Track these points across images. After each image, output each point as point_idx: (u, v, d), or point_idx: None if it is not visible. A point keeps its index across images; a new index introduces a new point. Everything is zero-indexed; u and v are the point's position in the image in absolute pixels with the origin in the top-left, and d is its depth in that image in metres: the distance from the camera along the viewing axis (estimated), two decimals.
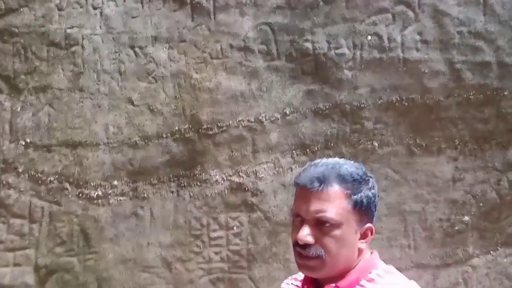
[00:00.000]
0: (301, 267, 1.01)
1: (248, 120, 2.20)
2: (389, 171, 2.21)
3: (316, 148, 2.23)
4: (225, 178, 2.19)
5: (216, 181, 2.19)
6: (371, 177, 1.05)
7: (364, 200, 1.00)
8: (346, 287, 1.00)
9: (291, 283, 1.16)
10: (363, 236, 1.02)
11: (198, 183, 2.18)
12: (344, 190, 0.99)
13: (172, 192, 2.17)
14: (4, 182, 2.11)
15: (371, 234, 1.03)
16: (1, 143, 2.13)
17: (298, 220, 1.01)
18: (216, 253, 2.15)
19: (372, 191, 1.03)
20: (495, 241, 2.16)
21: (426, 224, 2.15)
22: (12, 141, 2.13)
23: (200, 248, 2.14)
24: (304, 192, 1.00)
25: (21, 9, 2.08)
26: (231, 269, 2.13)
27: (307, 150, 2.22)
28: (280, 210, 2.17)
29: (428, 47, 2.20)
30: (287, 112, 2.21)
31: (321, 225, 0.98)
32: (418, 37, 2.18)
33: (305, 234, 0.97)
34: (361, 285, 1.00)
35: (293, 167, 2.22)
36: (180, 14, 2.13)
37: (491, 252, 2.15)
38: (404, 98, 2.22)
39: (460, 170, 2.23)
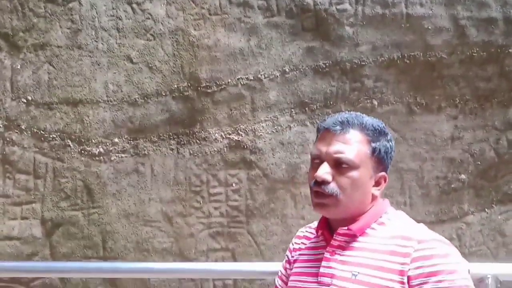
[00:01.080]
0: (316, 206, 1.06)
1: (247, 78, 2.17)
2: (389, 130, 2.18)
3: (315, 107, 2.21)
4: (224, 136, 2.20)
5: (215, 139, 2.20)
6: (389, 132, 1.11)
7: (382, 149, 1.05)
8: (358, 230, 1.04)
9: (306, 231, 1.21)
10: (377, 183, 1.07)
11: (198, 141, 2.20)
12: (365, 136, 1.04)
13: (172, 149, 2.19)
14: (8, 139, 2.14)
15: (384, 182, 1.08)
16: (3, 100, 2.14)
17: (317, 162, 1.04)
18: (215, 208, 2.19)
19: (390, 143, 1.07)
20: (490, 199, 2.17)
21: (422, 182, 2.17)
22: (13, 99, 2.14)
23: (200, 203, 2.18)
24: (327, 134, 1.05)
25: None
26: (230, 224, 2.19)
27: (306, 108, 2.21)
28: (278, 167, 2.19)
29: (433, 2, 2.13)
30: (287, 70, 2.18)
31: (339, 166, 1.02)
32: None
33: (323, 172, 1.01)
34: (372, 228, 1.05)
35: (291, 125, 2.21)
36: None
37: (486, 209, 2.18)
38: (406, 55, 2.18)
39: (459, 129, 2.21)
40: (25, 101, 2.14)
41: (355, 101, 2.23)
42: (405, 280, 0.94)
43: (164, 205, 2.18)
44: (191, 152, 2.21)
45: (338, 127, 1.03)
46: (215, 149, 2.22)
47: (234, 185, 2.21)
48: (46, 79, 2.14)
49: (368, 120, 1.07)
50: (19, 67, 2.13)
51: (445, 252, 0.96)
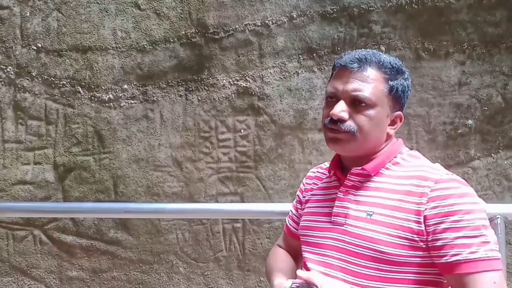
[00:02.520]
0: (330, 140, 1.02)
1: (255, 24, 2.15)
2: None
3: (322, 53, 2.19)
4: (232, 83, 2.19)
5: (223, 85, 2.19)
6: (407, 70, 1.07)
7: (399, 88, 1.02)
8: (372, 169, 1.02)
9: (317, 171, 1.20)
10: (393, 122, 1.04)
11: (206, 87, 2.18)
12: (382, 74, 1.01)
13: (180, 96, 2.18)
14: (19, 86, 2.14)
15: (400, 121, 1.06)
16: (14, 48, 2.13)
17: (332, 100, 1.02)
18: (224, 153, 2.19)
19: (407, 82, 1.04)
20: (497, 144, 2.16)
21: (429, 127, 2.15)
22: (24, 46, 2.13)
23: (209, 149, 2.18)
24: (343, 71, 1.02)
25: None
26: (238, 169, 2.19)
27: (314, 54, 2.18)
28: (286, 113, 2.18)
29: None
30: (294, 16, 2.15)
31: (356, 104, 1.00)
32: None
33: (340, 109, 0.99)
34: (387, 168, 1.03)
35: (299, 71, 2.19)
36: None
37: (492, 154, 2.16)
38: (414, 0, 2.13)
39: (466, 74, 2.18)
40: (35, 48, 2.14)
41: (362, 47, 2.19)
42: (422, 220, 0.92)
43: (174, 151, 2.18)
44: (200, 99, 2.20)
45: (355, 65, 1.00)
46: (223, 95, 2.20)
47: (242, 131, 2.21)
48: (55, 26, 2.12)
49: (386, 58, 1.04)
50: (28, 14, 2.11)
51: (463, 191, 0.93)
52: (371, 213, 0.97)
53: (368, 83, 0.99)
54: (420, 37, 2.19)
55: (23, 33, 2.14)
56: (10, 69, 2.15)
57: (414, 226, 0.92)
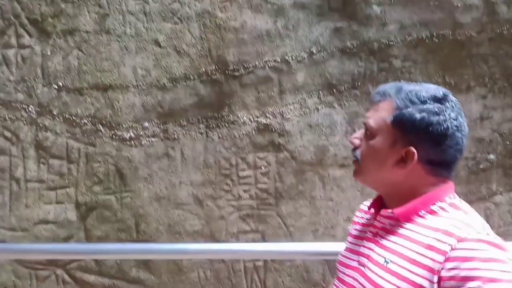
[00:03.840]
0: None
1: (275, 60, 2.12)
2: None
3: (343, 88, 2.15)
4: (252, 119, 2.16)
5: (244, 122, 2.16)
6: (441, 104, 0.91)
7: (407, 118, 0.90)
8: (402, 215, 0.93)
9: (364, 204, 1.15)
10: (402, 159, 0.92)
11: (226, 124, 2.16)
12: (392, 103, 0.93)
13: (201, 133, 2.15)
14: (41, 125, 2.13)
15: (411, 158, 0.91)
16: (35, 87, 2.12)
17: None
18: (245, 191, 2.16)
19: (423, 114, 0.89)
20: None
21: None
22: (45, 85, 2.12)
23: (229, 186, 2.16)
24: (371, 103, 1.00)
25: None
26: (259, 206, 2.16)
27: (334, 90, 2.15)
28: (306, 149, 2.14)
29: None
30: (314, 51, 2.11)
31: (366, 132, 0.98)
32: None
33: (353, 136, 1.00)
34: (421, 216, 0.92)
35: (319, 107, 2.16)
36: None
37: None
38: (434, 34, 2.10)
39: (488, 108, 2.14)
40: (56, 87, 2.12)
41: (383, 82, 2.15)
42: (435, 280, 0.82)
43: (195, 188, 2.16)
44: (220, 136, 2.17)
45: (377, 97, 0.96)
46: (243, 132, 2.17)
47: (263, 167, 2.18)
48: (76, 64, 2.11)
49: (412, 87, 0.93)
50: (49, 53, 2.10)
51: (489, 256, 0.79)
52: (388, 260, 0.91)
53: (378, 112, 0.95)
54: (441, 71, 2.16)
55: (44, 72, 2.12)
56: (31, 108, 2.13)
57: (426, 285, 0.83)
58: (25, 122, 2.14)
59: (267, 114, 2.17)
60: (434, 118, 0.89)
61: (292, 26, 2.11)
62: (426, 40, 2.12)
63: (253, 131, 2.19)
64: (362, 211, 1.14)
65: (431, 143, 0.90)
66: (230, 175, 2.18)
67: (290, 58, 2.14)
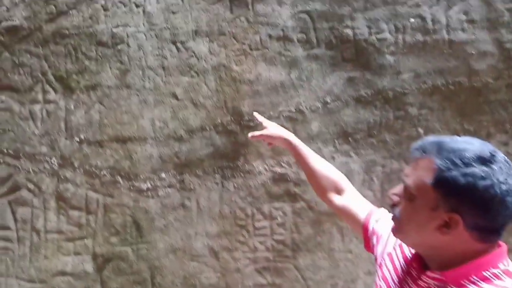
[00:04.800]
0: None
1: (289, 110, 2.13)
2: None
3: (358, 137, 2.13)
4: (267, 169, 2.15)
5: (259, 172, 2.15)
6: (488, 167, 0.83)
7: (450, 182, 0.83)
8: (452, 279, 0.86)
9: (399, 251, 1.05)
10: (446, 224, 0.85)
11: (242, 174, 2.15)
12: (433, 163, 0.85)
13: (217, 183, 2.15)
14: (62, 177, 2.18)
15: (455, 225, 0.84)
16: (58, 140, 2.19)
17: None
18: (261, 242, 2.12)
19: (469, 179, 0.81)
20: None
21: None
22: (67, 138, 2.19)
23: (245, 237, 2.12)
24: (411, 157, 0.94)
25: (71, 12, 2.12)
26: (276, 258, 2.11)
27: (350, 138, 2.13)
28: None
29: (475, 27, 2.04)
30: (328, 101, 2.12)
31: (405, 191, 0.91)
32: (464, 17, 2.02)
33: (392, 191, 0.94)
34: (472, 282, 0.85)
35: (335, 156, 2.14)
36: (219, 7, 2.09)
37: None
38: (450, 81, 2.08)
39: (510, 155, 2.04)
40: (78, 139, 2.18)
41: (399, 130, 2.13)
42: None
43: (210, 240, 2.13)
44: (236, 186, 2.16)
45: (416, 153, 0.90)
46: (259, 182, 2.16)
47: (279, 218, 2.14)
48: (97, 118, 2.18)
49: (455, 145, 0.85)
50: (72, 107, 2.18)
51: None
52: None
53: (416, 170, 0.88)
54: (459, 118, 2.12)
55: (67, 126, 2.20)
56: (54, 161, 2.19)
57: None
58: (47, 174, 2.20)
59: (282, 164, 2.16)
60: (481, 183, 0.81)
61: (306, 77, 2.13)
62: (442, 87, 2.10)
63: (269, 181, 2.18)
64: (403, 250, 1.04)
65: (478, 210, 0.82)
66: (245, 226, 2.15)
67: (305, 108, 2.15)
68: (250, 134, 1.56)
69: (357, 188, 2.14)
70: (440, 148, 0.85)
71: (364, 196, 2.14)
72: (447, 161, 0.83)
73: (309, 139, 2.16)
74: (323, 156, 2.16)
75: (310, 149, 1.46)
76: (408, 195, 0.88)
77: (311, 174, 1.40)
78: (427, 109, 2.12)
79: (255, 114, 1.65)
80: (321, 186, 1.38)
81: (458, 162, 0.82)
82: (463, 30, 2.05)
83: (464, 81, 2.08)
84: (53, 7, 2.12)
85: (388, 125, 2.14)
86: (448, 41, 2.06)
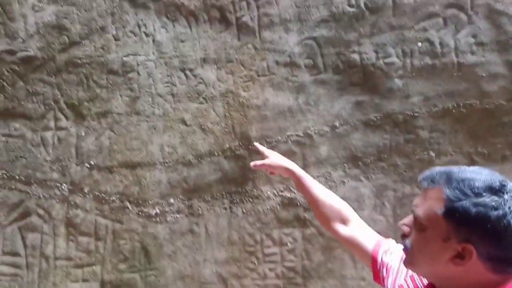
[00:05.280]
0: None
1: (297, 135, 2.13)
2: None
3: (368, 161, 2.11)
4: (276, 194, 2.14)
5: (268, 197, 2.14)
6: (499, 196, 0.82)
7: (461, 213, 0.82)
8: None
9: (410, 283, 1.03)
10: (459, 255, 0.83)
11: (250, 199, 2.14)
12: (442, 193, 0.85)
13: (225, 208, 2.14)
14: (72, 203, 2.20)
15: (468, 257, 0.83)
16: (69, 166, 2.22)
17: None
18: (270, 269, 2.09)
19: (480, 209, 0.81)
20: None
21: None
22: (78, 164, 2.22)
23: (254, 264, 2.09)
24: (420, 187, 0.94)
25: (83, 42, 2.18)
26: (286, 286, 2.08)
27: (359, 162, 2.11)
28: None
29: (484, 49, 2.03)
30: (337, 125, 2.11)
31: (415, 221, 0.90)
32: (472, 40, 2.02)
33: (402, 222, 0.93)
34: None
35: (345, 180, 2.12)
36: (227, 35, 2.12)
37: None
38: (461, 104, 2.06)
39: None
40: (88, 165, 2.21)
41: (410, 153, 2.10)
42: None
43: (219, 266, 2.11)
44: (244, 211, 2.15)
45: (424, 182, 0.90)
46: (268, 207, 2.15)
47: (289, 244, 2.11)
48: (107, 144, 2.21)
49: (464, 175, 0.85)
50: (83, 134, 2.22)
51: None
52: None
53: (426, 200, 0.87)
54: (472, 141, 2.08)
55: (78, 152, 2.23)
56: (64, 187, 2.22)
57: None
58: (57, 200, 2.22)
59: (291, 188, 2.14)
60: (492, 214, 0.80)
61: (314, 102, 2.14)
62: (453, 110, 2.08)
63: (278, 206, 2.16)
64: (414, 282, 1.03)
65: (491, 240, 0.81)
66: (255, 252, 2.12)
67: (313, 132, 2.14)
68: (252, 164, 1.57)
69: (368, 213, 2.12)
70: (449, 178, 0.85)
71: (376, 221, 2.12)
72: (457, 191, 0.82)
73: (318, 164, 2.15)
74: (332, 181, 2.16)
75: (313, 178, 1.46)
76: (419, 225, 0.88)
77: (315, 203, 1.40)
78: (439, 132, 2.09)
79: (256, 144, 1.67)
80: (325, 216, 1.37)
81: (468, 192, 0.82)
82: (472, 52, 2.04)
83: (475, 104, 2.06)
84: (66, 38, 2.19)
85: (398, 149, 2.11)
86: (458, 64, 2.04)
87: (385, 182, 2.13)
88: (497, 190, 0.82)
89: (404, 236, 0.92)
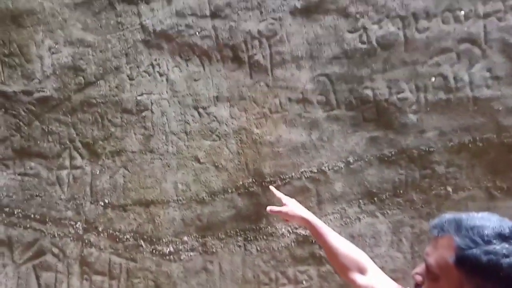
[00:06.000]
0: None
1: (311, 171, 2.12)
2: None
3: (384, 196, 2.09)
4: (291, 231, 2.13)
5: (282, 234, 2.13)
6: (510, 243, 0.83)
7: (473, 261, 0.83)
8: None
9: None
10: None
11: (265, 236, 2.13)
12: (453, 242, 0.86)
13: (239, 246, 2.13)
14: (86, 241, 2.21)
15: None
16: (84, 204, 2.24)
17: None
18: None
19: (491, 257, 0.82)
20: None
21: None
22: (92, 202, 2.24)
23: None
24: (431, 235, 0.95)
25: (98, 82, 2.23)
26: None
27: (375, 198, 2.09)
28: None
29: (500, 83, 2.02)
30: (351, 161, 2.10)
31: (428, 270, 0.91)
32: (487, 74, 2.00)
33: (415, 271, 0.94)
34: None
35: (360, 217, 2.10)
36: (239, 73, 2.15)
37: None
38: (477, 138, 2.04)
39: None
40: (102, 204, 2.23)
41: (427, 189, 2.08)
42: None
43: None
44: (258, 249, 2.14)
45: (434, 231, 0.91)
46: (282, 244, 2.13)
47: (304, 282, 2.10)
48: (122, 182, 2.23)
49: (472, 222, 0.86)
50: (98, 172, 2.25)
51: None
52: None
53: (437, 249, 0.88)
54: (490, 175, 2.05)
55: (92, 190, 2.26)
56: (79, 225, 2.24)
57: None
58: (72, 238, 2.24)
59: None
60: (504, 261, 0.81)
61: (327, 138, 2.14)
62: (469, 144, 2.05)
63: (293, 243, 2.14)
64: None
65: (494, 285, 0.83)
66: None
67: (327, 168, 2.13)
68: (268, 209, 1.59)
69: (385, 250, 2.09)
70: (458, 226, 0.87)
71: (394, 259, 2.09)
72: (467, 239, 0.84)
73: (332, 200, 2.13)
74: (348, 217, 2.13)
75: (329, 228, 1.47)
76: (431, 274, 0.89)
77: (332, 253, 1.41)
78: (455, 167, 2.06)
79: (272, 188, 1.68)
80: (342, 266, 1.37)
81: (478, 240, 0.83)
82: (487, 86, 2.02)
83: (492, 138, 2.03)
84: (82, 78, 2.24)
85: (414, 184, 2.09)
86: (473, 98, 2.03)
87: (401, 218, 2.10)
88: (507, 237, 0.83)
89: (417, 285, 0.92)
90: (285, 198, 1.64)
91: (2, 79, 2.28)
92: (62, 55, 2.24)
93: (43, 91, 2.25)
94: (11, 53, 2.27)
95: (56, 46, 2.24)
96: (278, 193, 1.69)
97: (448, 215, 0.92)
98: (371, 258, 2.06)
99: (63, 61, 2.24)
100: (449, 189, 2.07)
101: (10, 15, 2.25)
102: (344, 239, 1.45)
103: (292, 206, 1.60)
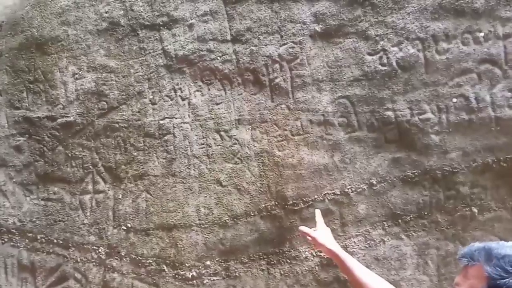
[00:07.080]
0: None
1: (334, 193, 2.13)
2: (494, 239, 1.99)
3: (408, 218, 2.10)
4: (315, 254, 2.13)
5: (306, 257, 2.13)
6: None
7: None
8: None
9: None
10: None
11: (288, 260, 2.14)
12: (483, 271, 0.88)
13: (262, 270, 2.14)
14: (108, 266, 2.22)
15: None
16: (106, 229, 2.27)
17: None
18: None
19: None
20: None
21: None
22: (115, 227, 2.26)
23: None
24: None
25: (121, 107, 2.27)
26: None
27: (399, 220, 2.10)
28: None
29: None
30: (374, 182, 2.11)
31: None
32: (509, 94, 2.04)
33: None
34: None
35: (385, 239, 2.10)
36: (260, 97, 2.19)
37: None
38: (501, 158, 2.05)
39: None
40: (125, 228, 2.25)
41: (452, 210, 2.08)
42: None
43: None
44: (282, 272, 2.14)
45: (464, 260, 0.93)
46: (306, 268, 2.13)
47: None
48: (144, 206, 2.25)
49: (500, 250, 0.89)
50: (120, 196, 2.27)
51: None
52: None
53: (468, 279, 0.89)
54: None
55: (115, 215, 2.28)
56: (101, 250, 2.26)
57: None
58: (94, 263, 2.26)
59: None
60: None
61: (349, 159, 2.15)
62: (493, 165, 2.06)
63: (316, 267, 2.14)
64: None
65: None
66: None
67: (350, 190, 2.15)
68: (301, 228, 1.62)
69: (411, 273, 2.08)
70: (488, 255, 0.88)
71: (420, 282, 2.07)
72: (498, 269, 0.86)
73: (356, 222, 2.13)
74: (372, 239, 2.13)
75: (355, 260, 1.49)
76: None
77: (358, 286, 1.43)
78: (480, 187, 2.07)
79: (317, 211, 1.71)
80: None
81: (510, 269, 0.85)
82: (509, 107, 2.04)
83: None
84: (105, 103, 2.30)
85: (439, 205, 2.09)
86: (495, 118, 2.04)
87: (427, 240, 2.10)
88: None
89: None
90: (320, 225, 1.69)
91: (27, 105, 2.34)
92: (86, 80, 2.30)
93: (67, 116, 2.31)
94: (35, 79, 2.33)
95: (80, 72, 2.31)
96: (319, 218, 1.73)
97: (477, 244, 0.93)
98: (397, 281, 2.06)
99: (87, 87, 2.30)
100: (475, 210, 2.07)
101: (35, 43, 2.33)
102: (369, 272, 1.49)
103: (323, 233, 1.63)
